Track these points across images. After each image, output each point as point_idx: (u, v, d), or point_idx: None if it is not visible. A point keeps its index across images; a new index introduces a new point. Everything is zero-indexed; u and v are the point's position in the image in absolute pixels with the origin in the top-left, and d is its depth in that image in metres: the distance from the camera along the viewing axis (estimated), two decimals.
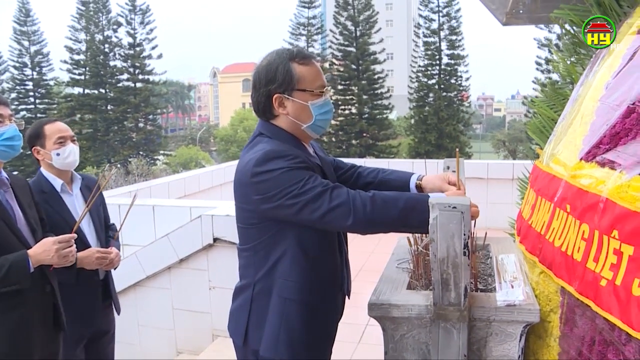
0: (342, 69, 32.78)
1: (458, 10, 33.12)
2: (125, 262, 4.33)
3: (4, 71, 36.25)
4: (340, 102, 31.93)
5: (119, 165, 27.34)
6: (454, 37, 33.10)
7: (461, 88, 33.54)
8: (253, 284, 1.77)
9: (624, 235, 1.32)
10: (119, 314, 2.81)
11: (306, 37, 34.24)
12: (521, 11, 3.39)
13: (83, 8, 36.33)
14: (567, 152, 1.81)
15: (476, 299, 1.74)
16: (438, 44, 33.13)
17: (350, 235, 1.93)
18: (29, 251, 2.03)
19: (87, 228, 2.61)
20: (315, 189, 1.61)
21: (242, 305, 1.80)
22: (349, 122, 32.10)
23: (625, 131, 1.50)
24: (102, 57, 36.08)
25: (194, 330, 4.44)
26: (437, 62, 33.13)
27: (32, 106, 35.61)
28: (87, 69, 36.06)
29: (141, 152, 34.84)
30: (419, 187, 1.95)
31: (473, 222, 1.73)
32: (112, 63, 36.68)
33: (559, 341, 1.63)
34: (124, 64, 36.55)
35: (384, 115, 33.01)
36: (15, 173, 2.37)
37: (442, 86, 32.84)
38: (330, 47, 33.64)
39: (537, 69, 29.04)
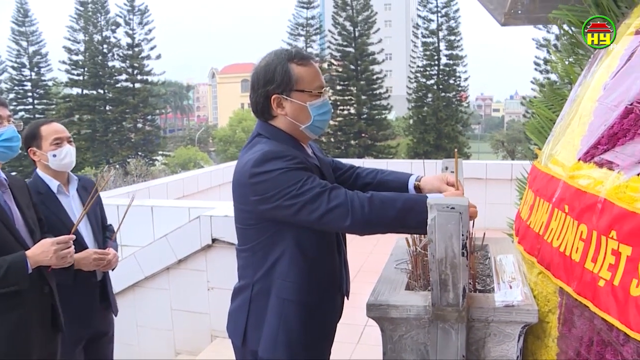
0: (340, 70, 32.79)
1: (457, 10, 33.18)
2: (124, 262, 4.33)
3: (2, 72, 36.19)
4: (338, 103, 31.95)
5: (117, 166, 27.31)
6: (452, 38, 33.14)
7: (460, 88, 33.57)
8: (252, 285, 1.77)
9: (622, 236, 1.32)
10: (116, 315, 2.80)
11: (305, 37, 34.24)
12: (519, 11, 3.39)
13: (81, 8, 36.31)
14: (566, 152, 1.81)
15: (474, 299, 1.74)
16: (437, 45, 33.15)
17: (348, 236, 1.93)
18: (27, 252, 2.02)
19: (85, 229, 2.60)
20: (313, 189, 1.61)
21: (241, 306, 1.80)
22: (347, 123, 32.12)
23: (623, 131, 1.50)
24: (100, 57, 36.06)
25: (193, 330, 4.43)
26: (436, 62, 33.16)
27: (31, 107, 35.59)
28: (86, 69, 36.05)
29: (140, 153, 34.79)
30: (417, 188, 1.94)
31: (471, 222, 1.73)
32: (110, 64, 36.69)
33: (557, 342, 1.63)
34: (123, 65, 36.55)
35: (383, 116, 33.03)
36: (13, 174, 2.37)
37: (440, 86, 32.87)
38: (328, 47, 33.65)
39: (536, 69, 29.11)
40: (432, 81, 33.13)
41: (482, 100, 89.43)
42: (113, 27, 36.67)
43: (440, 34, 33.14)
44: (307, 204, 1.60)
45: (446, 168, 2.05)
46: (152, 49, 36.69)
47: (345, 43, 32.87)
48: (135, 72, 36.39)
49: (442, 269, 1.59)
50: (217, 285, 4.27)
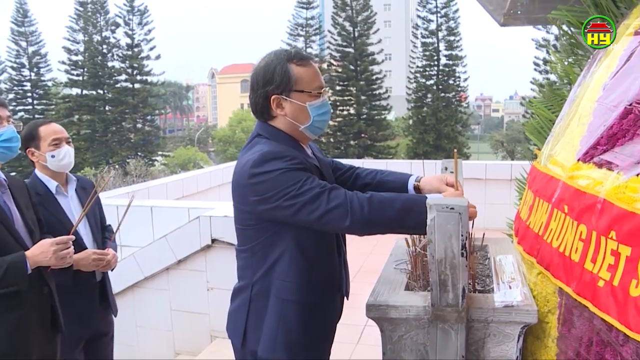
0: (340, 70, 32.81)
1: (456, 11, 33.23)
2: (123, 263, 4.32)
3: (2, 72, 36.18)
4: (338, 103, 31.96)
5: (117, 166, 27.30)
6: (452, 38, 33.17)
7: (459, 89, 33.61)
8: (251, 285, 1.77)
9: (621, 236, 1.32)
10: (115, 315, 2.80)
11: (304, 37, 34.25)
12: (519, 12, 3.40)
13: (81, 9, 36.32)
14: (565, 153, 1.81)
15: (474, 300, 1.74)
16: (436, 45, 33.18)
17: (348, 236, 1.93)
18: (27, 252, 2.02)
19: (83, 230, 2.60)
20: (312, 190, 1.61)
21: (241, 306, 1.80)
22: (347, 123, 32.13)
23: (622, 132, 1.50)
24: (100, 58, 36.08)
25: (192, 331, 4.43)
26: (435, 62, 33.19)
27: (30, 107, 35.59)
28: (85, 69, 36.07)
29: (139, 153, 34.79)
30: (417, 189, 1.95)
31: (471, 222, 1.73)
32: (110, 64, 36.72)
33: (556, 342, 1.63)
34: (122, 65, 36.58)
35: (382, 116, 33.05)
36: (13, 174, 2.37)
37: (440, 87, 32.89)
38: (328, 47, 33.66)
39: (535, 69, 29.14)
40: (431, 81, 33.17)
41: (482, 101, 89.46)
42: (112, 28, 36.71)
43: (440, 35, 33.17)
44: (306, 204, 1.60)
45: (445, 168, 2.05)
46: (151, 49, 36.76)
47: (344, 43, 32.89)
48: (135, 72, 36.40)
49: (441, 269, 1.59)
50: (216, 286, 4.27)
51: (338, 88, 32.39)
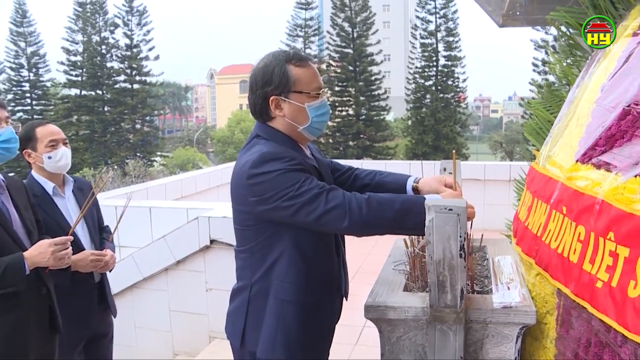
0: (339, 71, 32.81)
1: (455, 11, 33.25)
2: (122, 263, 4.33)
3: (1, 72, 36.17)
4: (337, 104, 31.96)
5: (115, 167, 27.27)
6: (451, 39, 33.19)
7: (458, 89, 33.62)
8: (250, 286, 1.77)
9: (619, 237, 1.32)
10: (114, 316, 2.80)
11: (303, 38, 34.24)
12: (517, 13, 3.40)
13: (80, 9, 36.30)
14: (563, 153, 1.81)
15: (472, 300, 1.74)
16: (435, 46, 33.19)
17: (347, 237, 1.93)
18: (25, 253, 2.02)
19: (81, 231, 2.59)
20: (311, 191, 1.61)
21: (239, 307, 1.80)
22: (346, 124, 32.13)
23: (620, 133, 1.50)
24: (99, 58, 36.06)
25: (191, 332, 4.43)
26: (434, 63, 33.20)
27: (29, 108, 35.56)
28: (84, 70, 36.05)
29: (138, 154, 34.75)
30: (415, 190, 1.95)
31: (469, 223, 1.73)
32: (109, 64, 36.71)
33: (555, 343, 1.63)
34: (121, 66, 36.56)
35: (381, 117, 33.05)
36: (11, 174, 2.36)
37: (439, 87, 32.90)
38: (327, 48, 33.66)
39: (534, 70, 29.18)
40: (430, 82, 33.17)
41: (481, 101, 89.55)
42: (111, 28, 36.69)
43: (439, 35, 33.18)
44: (304, 205, 1.60)
45: (444, 169, 2.05)
46: (150, 49, 36.76)
47: (343, 44, 32.89)
48: (134, 73, 36.39)
49: (440, 270, 1.59)
50: (215, 286, 4.27)
51: (337, 89, 32.38)
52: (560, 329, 1.60)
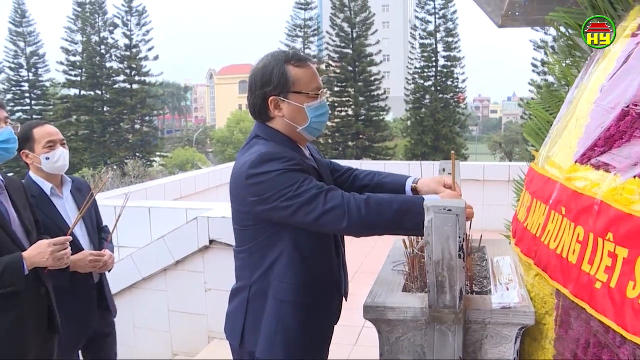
0: (338, 71, 32.80)
1: (454, 12, 33.27)
2: (121, 264, 4.32)
3: (0, 72, 36.16)
4: (336, 104, 31.95)
5: (115, 167, 27.29)
6: (450, 39, 33.19)
7: (457, 90, 33.63)
8: (249, 286, 1.77)
9: (618, 238, 1.32)
10: (114, 316, 2.79)
11: (303, 39, 34.24)
12: (517, 14, 3.40)
13: (79, 9, 36.26)
14: (563, 154, 1.81)
15: (472, 301, 1.74)
16: (434, 46, 33.20)
17: (346, 237, 1.93)
18: (24, 253, 2.02)
19: (80, 231, 2.59)
20: (310, 191, 1.61)
21: (239, 307, 1.80)
22: (345, 124, 32.13)
23: (619, 134, 1.50)
24: (98, 58, 36.01)
25: (190, 332, 4.43)
26: (434, 64, 33.20)
27: (28, 108, 35.52)
28: (84, 70, 35.99)
29: (137, 154, 34.74)
30: (414, 190, 1.95)
31: (468, 224, 1.73)
32: (108, 65, 36.63)
33: (554, 344, 1.63)
34: (121, 66, 36.49)
35: (381, 117, 33.05)
36: (10, 175, 2.36)
37: (438, 88, 32.90)
38: (326, 49, 33.66)
39: (533, 71, 29.19)
40: (430, 83, 33.18)
41: (480, 102, 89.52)
42: (111, 28, 36.62)
43: (438, 36, 33.19)
44: (303, 205, 1.60)
45: (443, 170, 2.05)
46: (150, 50, 36.70)
47: (343, 44, 32.88)
48: (133, 73, 36.35)
49: (439, 271, 1.59)
50: (214, 287, 4.26)
51: (336, 89, 32.38)
52: (559, 329, 1.60)
